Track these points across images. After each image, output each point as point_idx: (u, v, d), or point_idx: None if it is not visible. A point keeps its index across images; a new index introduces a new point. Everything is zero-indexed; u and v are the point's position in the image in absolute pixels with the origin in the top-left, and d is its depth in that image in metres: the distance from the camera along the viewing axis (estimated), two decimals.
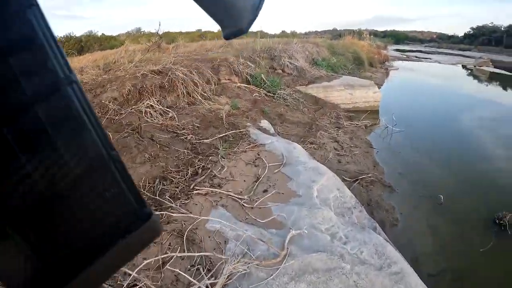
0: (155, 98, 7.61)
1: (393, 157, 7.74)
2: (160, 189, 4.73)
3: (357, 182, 5.94)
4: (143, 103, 7.27)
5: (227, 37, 0.61)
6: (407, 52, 42.91)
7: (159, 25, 8.11)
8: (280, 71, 11.93)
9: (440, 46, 56.68)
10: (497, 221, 5.20)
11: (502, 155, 8.11)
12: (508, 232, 5.02)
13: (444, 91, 16.97)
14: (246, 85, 9.92)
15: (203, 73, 8.82)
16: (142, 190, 4.68)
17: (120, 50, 12.02)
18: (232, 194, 4.72)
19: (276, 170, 5.40)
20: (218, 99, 8.58)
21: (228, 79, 9.98)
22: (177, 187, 4.81)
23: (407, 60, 31.73)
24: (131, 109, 6.97)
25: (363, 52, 19.26)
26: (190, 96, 8.13)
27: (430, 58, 34.98)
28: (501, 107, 13.45)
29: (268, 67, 11.44)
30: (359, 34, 29.49)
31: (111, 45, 23.64)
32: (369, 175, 6.20)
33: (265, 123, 7.76)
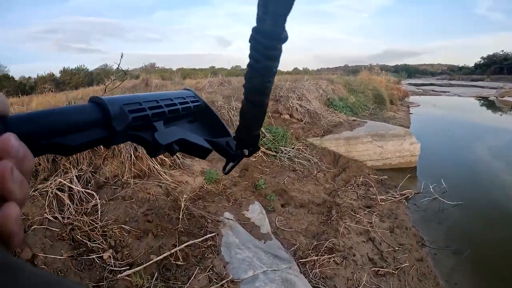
0: (79, 169, 4.47)
1: (466, 266, 4.42)
2: None
3: None
4: (55, 180, 4.15)
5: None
6: (421, 86, 39.99)
7: (121, 57, 4.24)
8: (287, 116, 8.74)
9: (452, 78, 54.78)
10: None
11: None
12: None
13: (483, 131, 13.67)
14: None
15: None
16: None
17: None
18: None
19: None
20: (190, 165, 5.33)
21: None
22: None
23: (424, 95, 28.73)
24: (33, 191, 3.93)
25: (383, 89, 16.08)
26: (143, 162, 4.87)
27: (448, 92, 32.11)
28: None
29: (271, 112, 8.20)
30: (369, 69, 26.39)
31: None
32: None
33: (255, 212, 4.54)
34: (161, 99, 0.65)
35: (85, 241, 3.46)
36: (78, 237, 3.46)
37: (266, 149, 6.76)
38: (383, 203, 5.85)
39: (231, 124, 6.97)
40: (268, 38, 0.57)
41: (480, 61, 60.31)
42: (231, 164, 0.84)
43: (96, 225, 3.65)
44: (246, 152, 0.82)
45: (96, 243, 3.43)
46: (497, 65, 54.59)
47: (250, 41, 0.58)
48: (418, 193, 6.68)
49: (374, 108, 13.21)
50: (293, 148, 7.03)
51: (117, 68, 5.94)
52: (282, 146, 6.92)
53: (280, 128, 7.37)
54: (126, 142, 0.59)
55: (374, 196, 5.98)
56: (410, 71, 61.66)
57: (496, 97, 26.66)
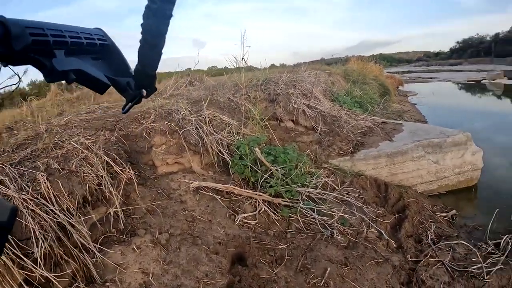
0: None
1: None
2: None
3: None
4: None
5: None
6: (407, 73, 38.31)
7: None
8: (290, 123, 5.91)
9: (430, 64, 53.76)
10: None
11: None
12: None
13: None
14: (215, 184, 4.03)
15: (91, 162, 2.89)
16: None
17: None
18: None
19: None
20: (125, 251, 2.49)
21: (176, 162, 4.26)
22: None
23: (413, 82, 26.29)
24: None
25: (384, 78, 13.67)
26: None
27: (436, 77, 29.85)
28: None
29: (265, 118, 5.36)
30: (346, 61, 23.92)
31: None
32: None
33: None
34: (66, 30, 0.65)
35: None
36: None
37: (273, 195, 3.95)
38: (491, 280, 3.17)
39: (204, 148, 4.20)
40: None
41: (456, 46, 59.88)
42: (129, 104, 0.83)
43: None
44: (144, 92, 0.83)
45: None
46: (474, 48, 54.21)
47: None
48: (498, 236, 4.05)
49: (383, 102, 10.56)
50: (315, 184, 4.24)
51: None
52: (299, 184, 4.13)
53: (291, 148, 4.52)
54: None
55: (473, 266, 3.28)
56: (387, 60, 61.61)
57: (488, 80, 25.01)
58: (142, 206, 3.39)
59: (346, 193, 4.24)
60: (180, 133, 4.20)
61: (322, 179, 4.35)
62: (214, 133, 4.49)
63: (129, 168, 3.61)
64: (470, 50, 54.19)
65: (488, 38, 53.90)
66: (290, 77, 7.03)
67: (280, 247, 3.32)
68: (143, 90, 0.83)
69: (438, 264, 3.31)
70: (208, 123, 4.53)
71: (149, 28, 0.70)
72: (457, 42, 60.24)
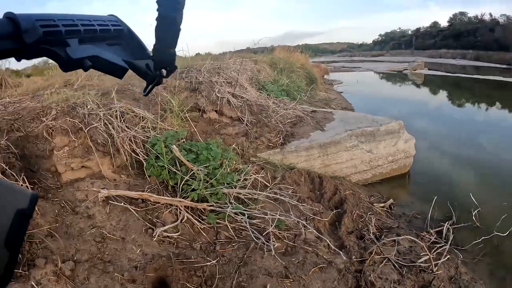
0: None
1: None
2: None
3: None
4: None
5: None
6: (332, 63, 39.71)
7: None
8: (214, 114, 5.43)
9: (353, 55, 56.25)
10: None
11: None
12: None
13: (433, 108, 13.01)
14: (127, 192, 3.38)
15: None
16: None
17: None
18: None
19: None
20: None
21: (83, 167, 3.59)
22: None
23: (337, 72, 27.08)
24: None
25: (310, 67, 13.75)
26: None
27: (360, 67, 31.05)
28: None
29: (186, 110, 4.83)
30: (271, 50, 24.01)
31: None
32: None
33: None
34: (78, 19, 0.66)
35: None
36: None
37: (197, 201, 3.40)
38: (440, 271, 2.97)
39: (118, 153, 3.59)
40: None
41: (379, 39, 63.36)
42: (150, 86, 0.82)
43: None
44: (164, 72, 0.81)
45: None
46: (395, 41, 58.04)
47: None
48: (455, 225, 3.96)
49: (310, 90, 10.48)
50: (244, 183, 3.80)
51: None
52: (226, 184, 3.65)
53: (214, 143, 4.00)
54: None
55: (420, 259, 3.05)
56: (311, 50, 63.85)
57: (409, 71, 26.62)
58: (44, 228, 2.72)
59: (278, 190, 3.84)
60: (86, 131, 3.53)
61: (251, 176, 3.91)
62: (127, 129, 3.86)
63: (23, 179, 2.92)
64: (392, 42, 57.70)
65: (409, 32, 58.05)
66: (214, 65, 6.52)
67: (209, 263, 2.81)
68: (163, 70, 0.80)
69: (385, 261, 3.03)
70: (120, 118, 3.89)
71: (166, 2, 0.70)
72: (380, 35, 63.81)
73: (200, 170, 3.48)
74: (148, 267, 2.70)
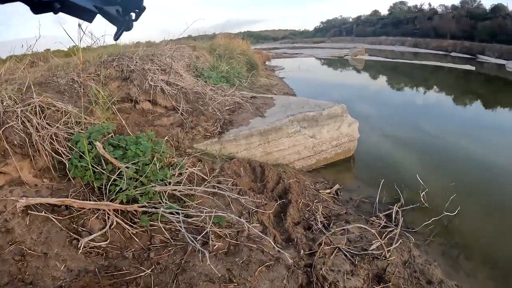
0: None
1: None
2: None
3: None
4: None
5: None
6: (269, 50, 39.98)
7: None
8: (147, 104, 5.05)
9: (295, 42, 56.96)
10: None
11: None
12: None
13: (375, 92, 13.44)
14: (47, 199, 3.03)
15: None
16: None
17: None
18: None
19: None
20: None
21: (0, 173, 3.00)
22: None
23: (279, 58, 27.15)
24: None
25: (251, 53, 13.63)
26: None
27: (301, 53, 31.33)
28: None
29: (118, 102, 4.43)
30: (213, 37, 23.75)
31: None
32: None
33: None
34: None
35: None
36: None
37: (126, 202, 3.03)
38: (393, 257, 2.88)
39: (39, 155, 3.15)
40: None
41: (320, 26, 65.07)
42: (120, 31, 0.85)
43: None
44: (133, 16, 0.84)
45: None
46: (336, 28, 59.27)
47: None
48: (404, 207, 3.94)
49: (250, 77, 10.31)
50: (179, 178, 3.49)
51: None
52: (159, 180, 3.34)
53: (144, 136, 3.63)
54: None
55: (372, 246, 2.93)
56: (253, 37, 64.08)
57: (350, 56, 27.34)
58: None
59: (217, 184, 3.58)
60: (1, 132, 3.05)
61: (187, 170, 3.60)
62: (48, 126, 3.40)
63: None
64: (333, 29, 58.84)
65: (350, 20, 59.73)
66: (147, 51, 6.07)
67: (143, 274, 2.49)
68: (132, 14, 0.83)
69: (336, 252, 2.88)
70: (39, 114, 3.43)
71: None
72: (322, 22, 65.33)
73: (128, 167, 3.13)
74: (74, 285, 2.33)
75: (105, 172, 3.13)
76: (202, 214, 2.96)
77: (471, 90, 14.00)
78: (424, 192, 4.14)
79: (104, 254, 2.67)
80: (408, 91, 13.70)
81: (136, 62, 5.37)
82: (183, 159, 3.76)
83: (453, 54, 28.37)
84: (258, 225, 3.14)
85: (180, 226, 2.77)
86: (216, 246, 2.76)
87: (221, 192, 3.40)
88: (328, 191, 4.21)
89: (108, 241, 2.75)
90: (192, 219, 3.01)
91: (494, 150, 6.22)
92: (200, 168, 3.77)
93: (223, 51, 11.46)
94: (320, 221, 3.35)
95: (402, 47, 36.38)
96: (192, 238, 2.73)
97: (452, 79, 17.22)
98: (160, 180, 3.28)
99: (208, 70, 8.16)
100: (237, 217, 3.06)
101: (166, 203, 3.10)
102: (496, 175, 5.13)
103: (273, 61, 21.40)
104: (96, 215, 2.93)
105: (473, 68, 19.79)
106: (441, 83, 15.58)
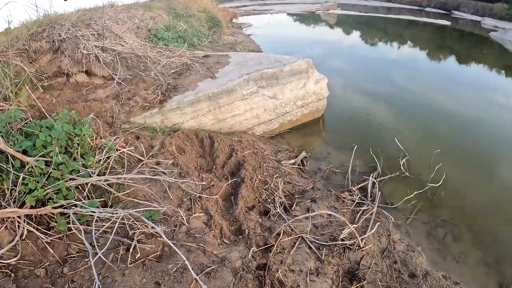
0: None
1: None
2: None
3: None
4: None
5: None
6: (237, 8, 38.71)
7: None
8: (81, 76, 4.32)
9: None
10: None
11: None
12: None
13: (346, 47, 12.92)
14: None
15: None
16: None
17: None
18: None
19: None
20: None
21: None
22: None
23: (248, 15, 26.03)
24: None
25: (215, 10, 12.84)
26: None
27: (271, 10, 30.00)
28: None
29: (49, 76, 3.69)
30: None
31: None
32: None
33: None
34: None
35: None
36: None
37: (38, 205, 2.35)
38: (369, 245, 2.33)
39: None
40: None
41: None
42: None
43: None
44: None
45: None
46: None
47: None
48: (381, 177, 3.39)
49: (212, 35, 9.60)
50: (106, 162, 2.81)
51: None
52: (76, 171, 2.61)
53: (60, 118, 2.89)
54: None
55: (344, 232, 2.40)
56: None
57: (322, 11, 26.52)
58: None
59: (155, 166, 2.94)
60: None
61: (117, 151, 2.93)
62: None
63: None
64: None
65: None
66: (82, 16, 5.20)
67: None
68: None
69: (297, 244, 2.32)
70: None
71: None
72: None
73: (38, 160, 2.43)
74: None
75: (11, 171, 2.42)
76: (130, 211, 2.31)
77: (447, 45, 13.56)
78: (404, 160, 3.61)
79: (13, 274, 2.03)
80: (382, 46, 13.14)
81: (68, 29, 4.55)
82: (111, 139, 3.08)
83: (427, 9, 27.90)
84: (202, 214, 2.54)
85: (91, 230, 2.13)
86: (145, 250, 2.15)
87: (157, 176, 2.75)
88: (292, 161, 3.63)
89: (19, 256, 2.10)
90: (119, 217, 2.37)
91: (476, 106, 5.81)
92: (134, 147, 3.11)
93: (182, 9, 10.57)
94: (280, 203, 2.78)
95: (375, 1, 35.59)
96: (118, 241, 2.11)
97: (427, 34, 16.71)
98: (78, 171, 2.60)
99: (163, 30, 7.32)
100: (174, 208, 2.45)
101: (86, 199, 2.45)
102: (478, 133, 4.68)
103: (240, 19, 20.37)
104: (4, 225, 2.26)
105: (448, 23, 19.33)
106: (416, 38, 15.09)
